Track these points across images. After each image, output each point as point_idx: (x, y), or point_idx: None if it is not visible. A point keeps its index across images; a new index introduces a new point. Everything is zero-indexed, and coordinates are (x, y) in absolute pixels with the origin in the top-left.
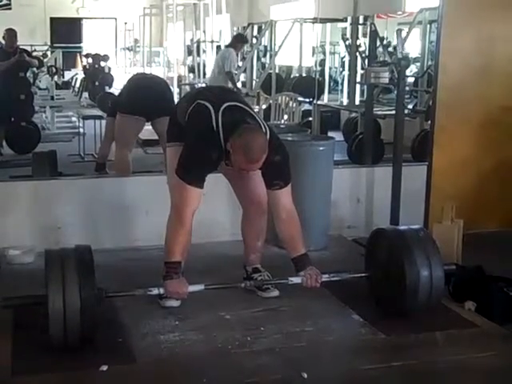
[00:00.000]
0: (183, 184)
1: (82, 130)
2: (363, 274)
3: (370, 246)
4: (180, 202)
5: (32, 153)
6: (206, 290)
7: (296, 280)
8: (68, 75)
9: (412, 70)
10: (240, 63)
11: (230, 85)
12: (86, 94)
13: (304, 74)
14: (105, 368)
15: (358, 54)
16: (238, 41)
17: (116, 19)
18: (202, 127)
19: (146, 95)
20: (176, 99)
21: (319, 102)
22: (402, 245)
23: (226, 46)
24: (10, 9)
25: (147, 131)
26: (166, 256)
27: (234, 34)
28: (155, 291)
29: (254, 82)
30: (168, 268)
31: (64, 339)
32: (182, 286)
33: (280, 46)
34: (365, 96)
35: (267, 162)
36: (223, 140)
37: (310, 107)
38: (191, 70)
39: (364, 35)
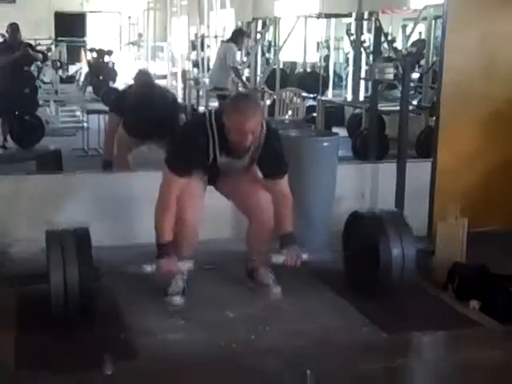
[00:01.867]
0: (168, 171)
1: (86, 125)
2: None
3: (347, 227)
4: (164, 189)
5: (36, 155)
6: (199, 269)
7: (277, 259)
8: (72, 69)
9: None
10: (244, 58)
11: (232, 79)
12: (90, 89)
13: (308, 70)
14: (109, 372)
15: (362, 49)
16: (239, 35)
17: (120, 13)
18: (193, 120)
19: (148, 124)
20: (180, 96)
21: (323, 98)
22: (376, 226)
23: (227, 41)
24: (14, 2)
25: None
26: (157, 238)
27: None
28: (148, 268)
29: (258, 78)
30: (159, 249)
31: (64, 311)
32: (172, 264)
33: (284, 42)
34: (369, 92)
35: (268, 147)
36: (216, 128)
37: (315, 103)
38: (195, 64)
39: (369, 31)
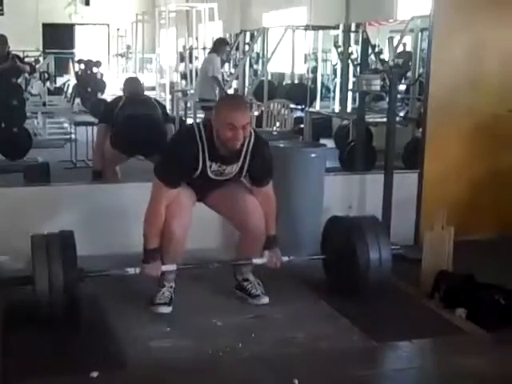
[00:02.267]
0: (157, 181)
1: (73, 137)
2: (320, 257)
3: (326, 231)
4: (154, 198)
5: (24, 167)
6: (179, 269)
7: (259, 261)
8: (60, 81)
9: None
10: (232, 70)
11: (215, 90)
12: (78, 100)
13: (296, 81)
14: (95, 375)
15: (349, 61)
16: (220, 45)
17: (108, 25)
18: (182, 129)
19: (137, 143)
20: (169, 107)
21: (311, 109)
22: (355, 230)
23: (209, 52)
24: (2, 14)
25: None
26: (145, 243)
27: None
28: (132, 271)
29: (246, 89)
30: (146, 253)
31: (49, 309)
32: (156, 269)
33: (272, 53)
34: (357, 103)
35: (256, 154)
36: (205, 135)
37: (302, 114)
38: (183, 76)
39: (356, 43)
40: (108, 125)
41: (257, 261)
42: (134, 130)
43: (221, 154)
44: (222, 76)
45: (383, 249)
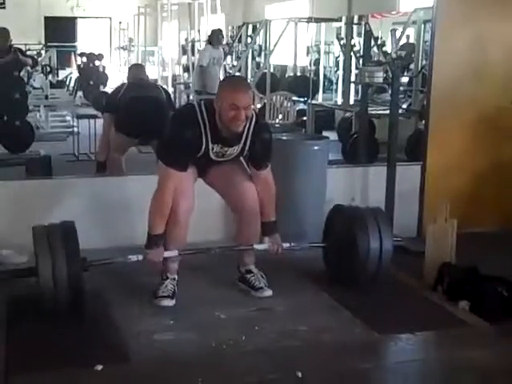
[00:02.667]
0: (164, 166)
1: (76, 130)
2: (320, 245)
3: (329, 220)
4: (161, 182)
5: (26, 160)
6: (181, 255)
7: (261, 247)
8: (62, 74)
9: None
10: (235, 62)
11: (209, 80)
12: (80, 93)
13: (299, 74)
14: (99, 368)
15: (352, 53)
16: (213, 35)
17: (111, 18)
18: (183, 110)
19: (142, 124)
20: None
21: (314, 102)
22: (356, 219)
23: (205, 44)
24: (4, 8)
25: None
26: (149, 229)
27: (229, 33)
28: (134, 258)
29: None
30: (149, 239)
31: (53, 303)
32: (158, 255)
33: (275, 46)
34: (359, 95)
35: (257, 137)
36: (207, 116)
37: (305, 107)
38: (186, 69)
39: (358, 35)
40: (112, 114)
41: (258, 246)
42: (138, 110)
43: (223, 136)
44: (224, 68)
45: (384, 239)
